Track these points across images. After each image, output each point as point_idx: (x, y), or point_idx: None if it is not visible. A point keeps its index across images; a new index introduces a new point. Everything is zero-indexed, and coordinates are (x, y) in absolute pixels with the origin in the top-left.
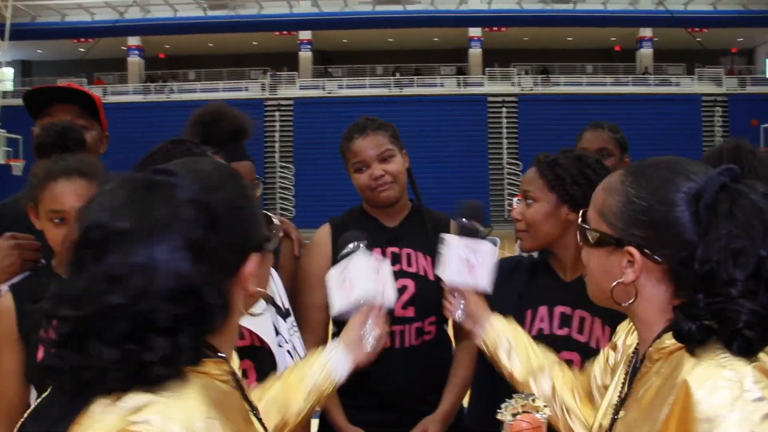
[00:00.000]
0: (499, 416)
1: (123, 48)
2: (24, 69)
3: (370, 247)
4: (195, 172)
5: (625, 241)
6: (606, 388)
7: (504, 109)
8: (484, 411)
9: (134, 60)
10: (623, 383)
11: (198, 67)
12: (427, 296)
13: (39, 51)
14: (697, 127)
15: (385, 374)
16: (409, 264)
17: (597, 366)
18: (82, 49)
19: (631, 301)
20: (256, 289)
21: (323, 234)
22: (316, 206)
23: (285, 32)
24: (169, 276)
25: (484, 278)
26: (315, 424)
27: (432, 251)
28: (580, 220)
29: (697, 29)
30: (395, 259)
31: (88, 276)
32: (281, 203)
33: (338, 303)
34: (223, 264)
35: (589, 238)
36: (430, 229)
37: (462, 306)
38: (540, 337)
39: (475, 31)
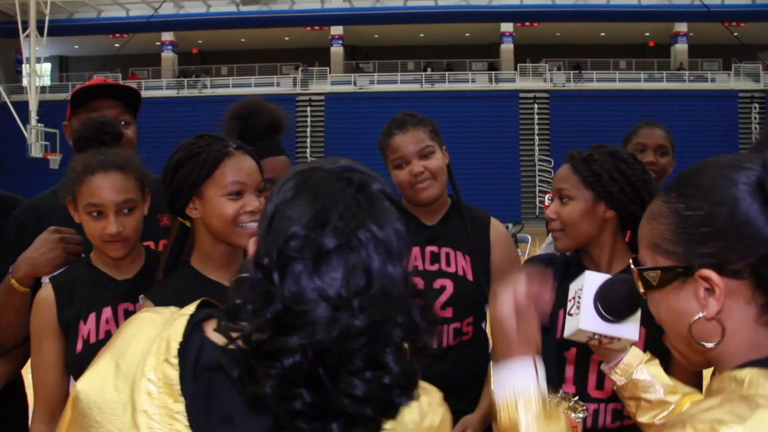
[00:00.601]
0: None
1: (157, 43)
2: (61, 64)
3: None
4: (373, 172)
5: (694, 265)
6: None
7: (536, 106)
8: None
9: (168, 55)
10: None
11: (230, 62)
12: (466, 296)
13: (76, 46)
14: (733, 124)
15: (435, 375)
16: (448, 264)
17: None
18: (117, 45)
19: (717, 341)
20: None
21: None
22: None
23: (317, 27)
24: (400, 280)
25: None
26: None
27: (471, 250)
28: (632, 265)
29: (733, 23)
30: (434, 259)
31: (311, 292)
32: None
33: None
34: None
35: (650, 280)
36: (470, 227)
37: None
38: None
39: (506, 27)
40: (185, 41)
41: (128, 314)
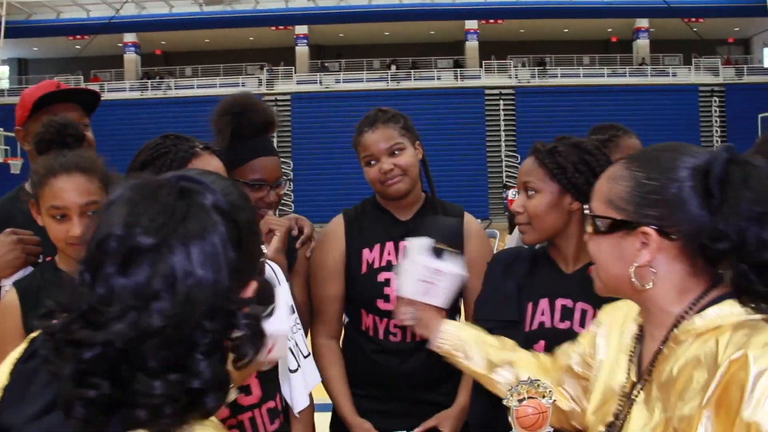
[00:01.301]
0: (505, 402)
1: (119, 45)
2: (20, 67)
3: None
4: (220, 186)
5: (640, 223)
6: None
7: (501, 102)
8: (485, 405)
9: (131, 57)
10: (628, 369)
11: (195, 63)
12: None
13: (35, 48)
14: (694, 117)
15: (395, 366)
16: None
17: (575, 353)
18: (78, 47)
19: (651, 283)
20: None
21: (337, 226)
22: (315, 201)
23: (281, 27)
24: (207, 292)
25: (441, 298)
26: (327, 417)
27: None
28: (586, 212)
29: (693, 19)
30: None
31: (118, 291)
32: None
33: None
34: (237, 283)
35: (600, 226)
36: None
37: (412, 312)
38: (541, 331)
39: (471, 24)
40: (148, 42)
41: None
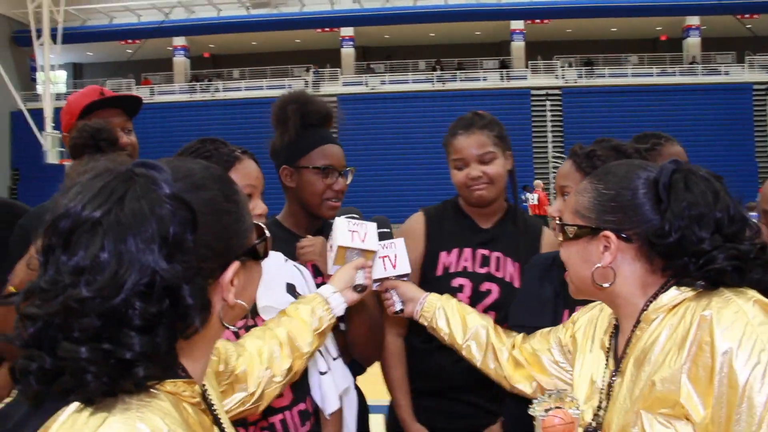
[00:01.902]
0: (530, 412)
1: (169, 48)
2: (75, 71)
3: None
4: (178, 169)
5: (601, 228)
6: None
7: (548, 103)
8: (520, 410)
9: (180, 60)
10: (606, 361)
11: (242, 65)
12: (510, 303)
13: (89, 53)
14: (748, 116)
15: (449, 365)
16: (498, 269)
17: (554, 341)
18: (129, 51)
19: (611, 282)
20: (236, 301)
21: (418, 224)
22: (362, 201)
23: (327, 29)
24: (140, 270)
25: (405, 265)
26: (378, 419)
27: (521, 257)
28: (557, 221)
29: (746, 15)
30: (484, 262)
31: (55, 269)
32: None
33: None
34: (201, 267)
35: (568, 233)
36: (523, 235)
37: (398, 297)
38: None
39: (517, 24)
40: (197, 46)
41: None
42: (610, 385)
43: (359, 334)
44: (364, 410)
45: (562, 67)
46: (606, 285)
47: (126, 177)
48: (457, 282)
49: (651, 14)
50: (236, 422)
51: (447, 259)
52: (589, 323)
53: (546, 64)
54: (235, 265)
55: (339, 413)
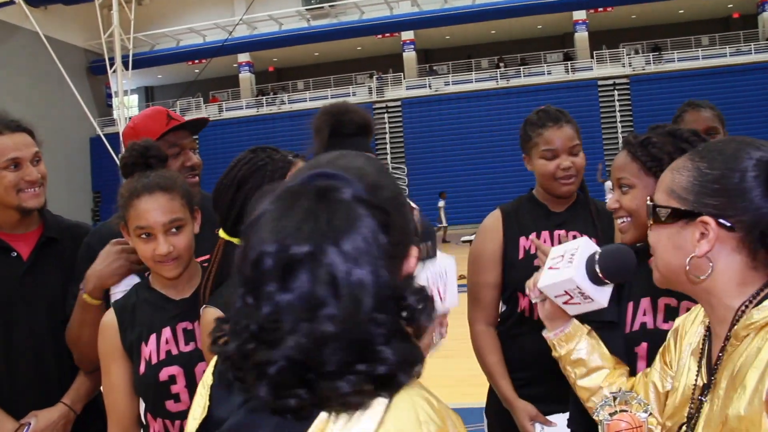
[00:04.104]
0: (595, 416)
1: (234, 65)
2: (147, 94)
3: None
4: (355, 171)
5: (699, 212)
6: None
7: (616, 92)
8: (583, 412)
9: (245, 76)
10: (698, 371)
11: (306, 76)
12: None
13: (159, 76)
14: None
15: (546, 348)
16: None
17: (655, 372)
18: (196, 70)
19: (707, 275)
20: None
21: (494, 219)
22: (432, 204)
23: (387, 34)
24: (373, 287)
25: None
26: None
27: (598, 236)
28: (648, 201)
29: None
30: (562, 241)
31: (283, 305)
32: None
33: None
34: (395, 264)
35: (660, 215)
36: (596, 217)
37: (542, 299)
38: (643, 332)
39: (579, 14)
40: (261, 60)
41: (187, 333)
42: (701, 401)
43: None
44: None
45: (628, 54)
46: (702, 277)
47: (320, 195)
48: (539, 262)
49: None
50: None
51: (526, 243)
52: (687, 329)
53: (612, 53)
54: (414, 251)
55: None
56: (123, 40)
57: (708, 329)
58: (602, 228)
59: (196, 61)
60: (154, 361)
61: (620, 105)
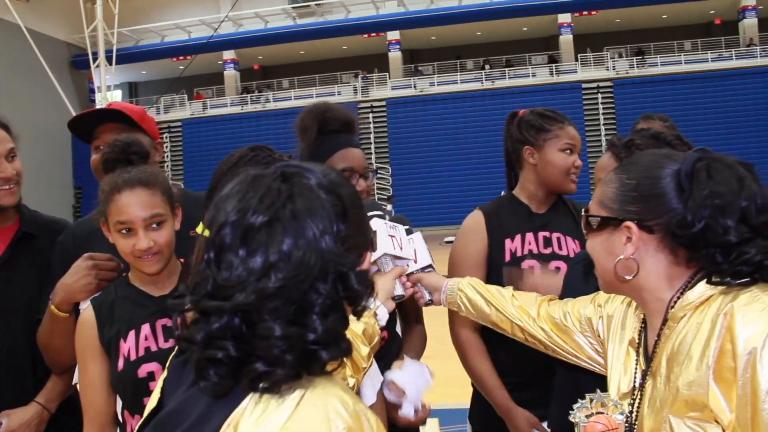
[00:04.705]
0: (571, 418)
1: (219, 62)
2: (131, 90)
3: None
4: (319, 168)
5: (622, 218)
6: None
7: (600, 96)
8: (565, 413)
9: (230, 73)
10: (636, 359)
11: (291, 75)
12: None
13: (143, 72)
14: None
15: (539, 352)
16: (560, 247)
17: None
18: (181, 67)
19: (633, 275)
20: None
21: (477, 220)
22: (415, 204)
23: (373, 34)
24: (321, 257)
25: (426, 257)
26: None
27: (579, 235)
28: (582, 212)
29: None
30: (547, 243)
31: (232, 269)
32: (380, 204)
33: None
34: (347, 253)
35: (592, 224)
36: (577, 216)
37: (425, 289)
38: None
39: (564, 17)
40: (246, 58)
41: (167, 330)
42: (642, 386)
43: None
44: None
45: (612, 58)
46: (628, 277)
47: (285, 177)
48: (526, 264)
49: None
50: None
51: (512, 245)
52: (620, 312)
53: (596, 56)
54: (368, 256)
55: (377, 407)
56: (107, 34)
57: (644, 322)
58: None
59: (181, 57)
60: (133, 357)
61: (604, 108)
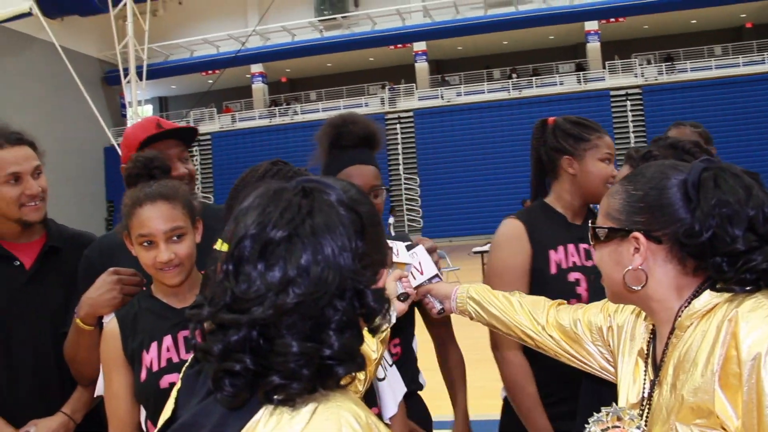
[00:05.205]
0: None
1: (247, 76)
2: (161, 104)
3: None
4: (340, 184)
5: (630, 229)
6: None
7: (628, 103)
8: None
9: (258, 86)
10: (645, 369)
11: (318, 87)
12: None
13: (173, 86)
14: None
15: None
16: None
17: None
18: (210, 81)
19: (641, 285)
20: None
21: (518, 229)
22: (444, 214)
23: (400, 45)
24: (339, 273)
25: (431, 268)
26: None
27: None
28: (590, 224)
29: None
30: (588, 255)
31: (250, 282)
32: (408, 215)
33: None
34: (364, 270)
35: (599, 235)
36: None
37: (435, 299)
38: None
39: (591, 25)
40: (274, 71)
41: (188, 341)
42: (650, 396)
43: None
44: (428, 425)
45: (640, 65)
46: (637, 288)
47: (305, 192)
48: (573, 277)
49: (733, 1)
50: None
51: (556, 256)
52: (629, 323)
53: (624, 63)
54: (384, 274)
55: (398, 418)
56: (137, 50)
57: (653, 332)
58: None
59: (210, 71)
60: (155, 368)
61: (633, 115)
